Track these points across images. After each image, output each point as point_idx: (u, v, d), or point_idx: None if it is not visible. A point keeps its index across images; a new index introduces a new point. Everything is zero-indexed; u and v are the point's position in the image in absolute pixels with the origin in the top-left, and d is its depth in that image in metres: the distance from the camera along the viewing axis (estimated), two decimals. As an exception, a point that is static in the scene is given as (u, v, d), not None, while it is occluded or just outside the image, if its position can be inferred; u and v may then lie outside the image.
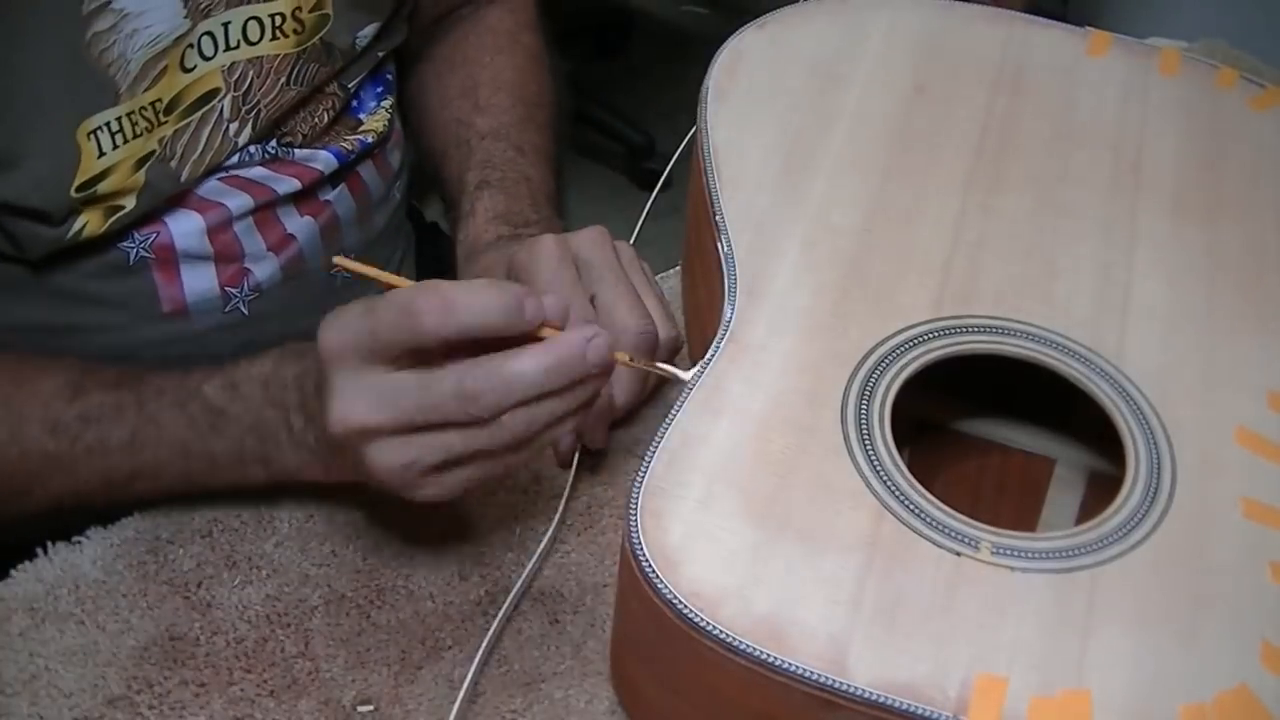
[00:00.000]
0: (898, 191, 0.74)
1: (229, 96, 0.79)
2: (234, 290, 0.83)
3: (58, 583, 0.70)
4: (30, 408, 0.70)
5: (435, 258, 1.04)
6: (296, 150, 0.84)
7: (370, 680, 0.67)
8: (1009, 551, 0.59)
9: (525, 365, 0.59)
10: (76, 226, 0.75)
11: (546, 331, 0.60)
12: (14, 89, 0.70)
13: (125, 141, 0.74)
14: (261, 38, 0.79)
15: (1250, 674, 0.56)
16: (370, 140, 0.88)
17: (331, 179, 0.86)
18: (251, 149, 0.82)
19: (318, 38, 0.82)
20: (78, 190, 0.73)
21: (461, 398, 0.59)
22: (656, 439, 0.62)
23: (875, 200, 0.73)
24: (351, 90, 0.88)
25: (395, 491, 0.63)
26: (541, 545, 0.72)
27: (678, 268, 0.85)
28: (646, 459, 0.61)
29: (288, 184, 0.83)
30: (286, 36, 0.80)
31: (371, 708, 0.66)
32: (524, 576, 0.70)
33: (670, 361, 0.76)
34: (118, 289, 0.79)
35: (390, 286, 0.62)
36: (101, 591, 0.70)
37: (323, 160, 0.85)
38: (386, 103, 0.90)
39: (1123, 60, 0.82)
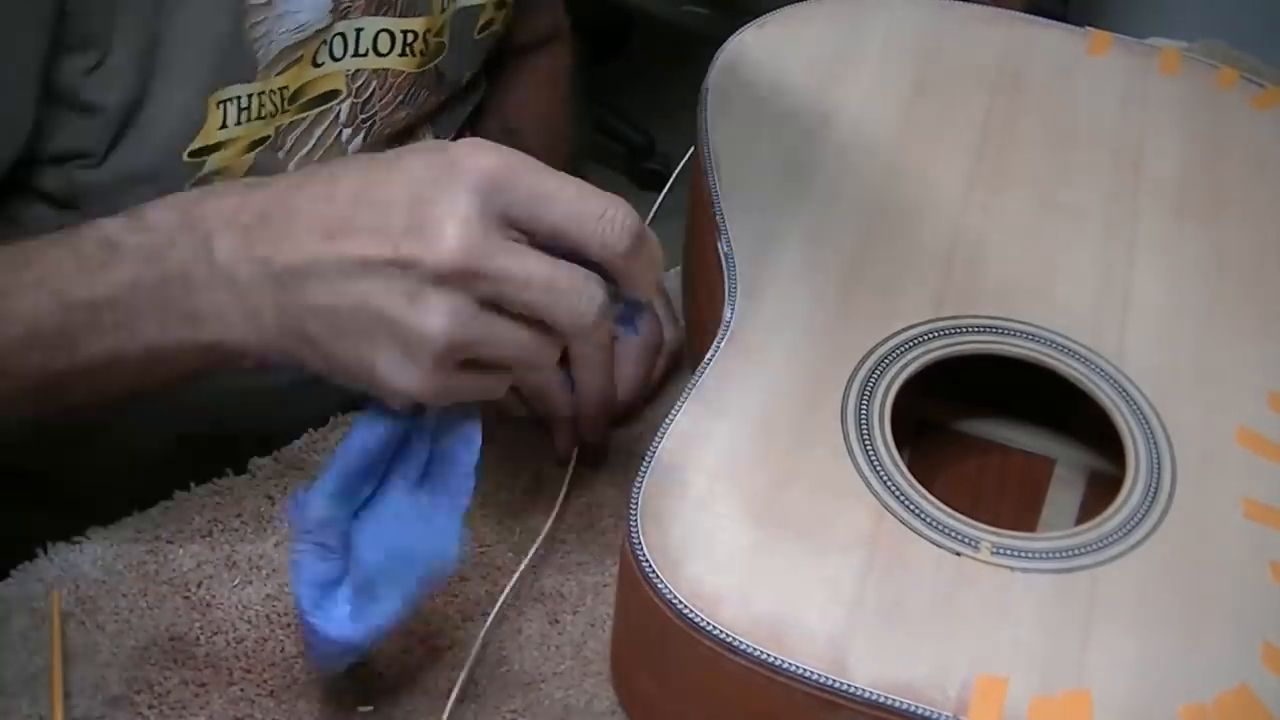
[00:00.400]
0: (898, 191, 0.74)
1: (348, 101, 0.79)
2: None
3: (57, 583, 0.69)
4: None
5: None
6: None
7: (370, 680, 0.67)
8: (1009, 551, 0.59)
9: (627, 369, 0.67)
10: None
11: None
12: (165, 38, 0.69)
13: (249, 120, 0.73)
14: (390, 51, 0.79)
15: (1251, 674, 0.56)
16: None
17: None
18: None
19: (434, 64, 0.83)
20: (191, 155, 0.72)
21: (584, 296, 0.56)
22: (656, 438, 0.62)
23: (875, 200, 0.73)
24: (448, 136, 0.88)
25: (383, 368, 0.56)
26: (540, 545, 0.72)
27: (679, 268, 0.85)
28: (647, 458, 0.61)
29: None
30: (414, 55, 0.81)
31: (371, 708, 0.66)
32: (518, 574, 0.70)
33: (675, 365, 0.77)
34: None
35: None
36: (101, 591, 0.69)
37: None
38: None
39: (1123, 60, 0.82)
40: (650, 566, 0.57)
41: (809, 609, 0.57)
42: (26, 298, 0.59)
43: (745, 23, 0.81)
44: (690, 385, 0.64)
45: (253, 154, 0.75)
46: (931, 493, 0.61)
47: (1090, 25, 0.84)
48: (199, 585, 0.70)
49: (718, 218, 0.71)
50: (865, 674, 0.55)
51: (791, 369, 0.65)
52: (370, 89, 0.80)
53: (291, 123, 0.77)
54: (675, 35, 2.29)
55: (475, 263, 0.54)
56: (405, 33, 0.80)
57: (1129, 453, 0.63)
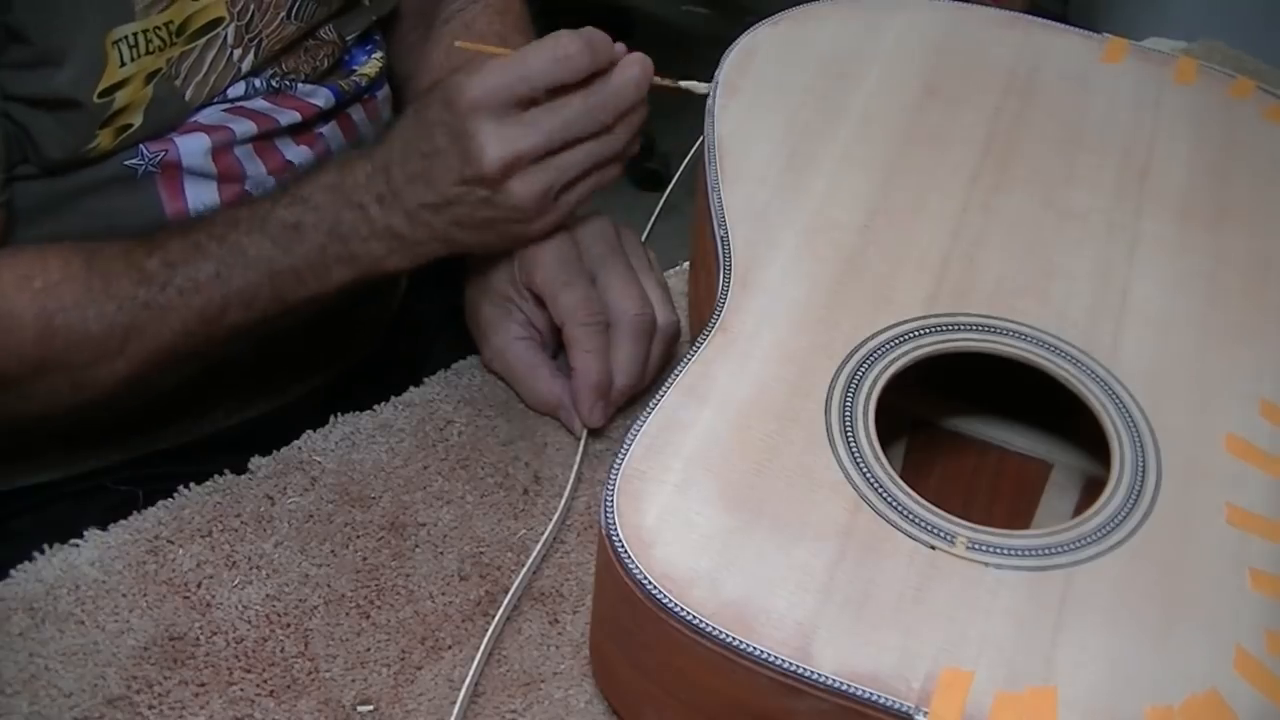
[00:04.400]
0: (901, 189, 0.74)
1: (233, 25, 0.83)
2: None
3: (57, 583, 0.70)
4: (113, 265, 0.75)
5: None
6: (300, 85, 0.88)
7: (370, 680, 0.67)
8: (984, 547, 0.59)
9: (628, 73, 0.73)
10: (91, 145, 0.79)
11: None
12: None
13: (138, 56, 0.78)
14: None
15: (1222, 679, 0.56)
16: (363, 83, 0.92)
17: (325, 116, 0.90)
18: (257, 82, 0.86)
19: None
20: (100, 95, 0.77)
21: (589, 110, 0.73)
22: (639, 421, 0.62)
23: (877, 197, 0.73)
24: (348, 43, 0.92)
25: (516, 233, 0.76)
26: (541, 545, 0.72)
27: (678, 267, 0.85)
28: (627, 440, 0.61)
29: (289, 116, 0.87)
30: None
31: (371, 708, 0.66)
32: (523, 575, 0.70)
33: (671, 352, 0.78)
34: (124, 204, 0.82)
35: (502, 53, 0.75)
36: (101, 591, 0.70)
37: (322, 96, 0.89)
38: (378, 55, 0.95)
39: (1138, 68, 0.82)
40: (623, 547, 0.58)
41: (778, 595, 0.57)
42: (240, 274, 0.76)
43: (745, 22, 0.82)
44: (678, 370, 0.65)
45: (150, 86, 0.80)
46: (926, 491, 0.61)
47: (1090, 24, 0.84)
48: (199, 585, 0.70)
49: (716, 209, 0.72)
50: (830, 661, 0.55)
51: (778, 359, 0.65)
52: (250, 11, 0.83)
53: (182, 53, 0.81)
54: (675, 35, 2.29)
55: (512, 153, 0.72)
56: None
57: (1114, 454, 0.63)
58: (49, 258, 0.75)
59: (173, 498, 0.74)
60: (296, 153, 0.88)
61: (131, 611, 0.69)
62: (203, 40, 0.82)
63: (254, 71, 0.85)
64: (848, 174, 0.74)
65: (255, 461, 0.76)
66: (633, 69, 0.73)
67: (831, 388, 0.64)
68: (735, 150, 0.75)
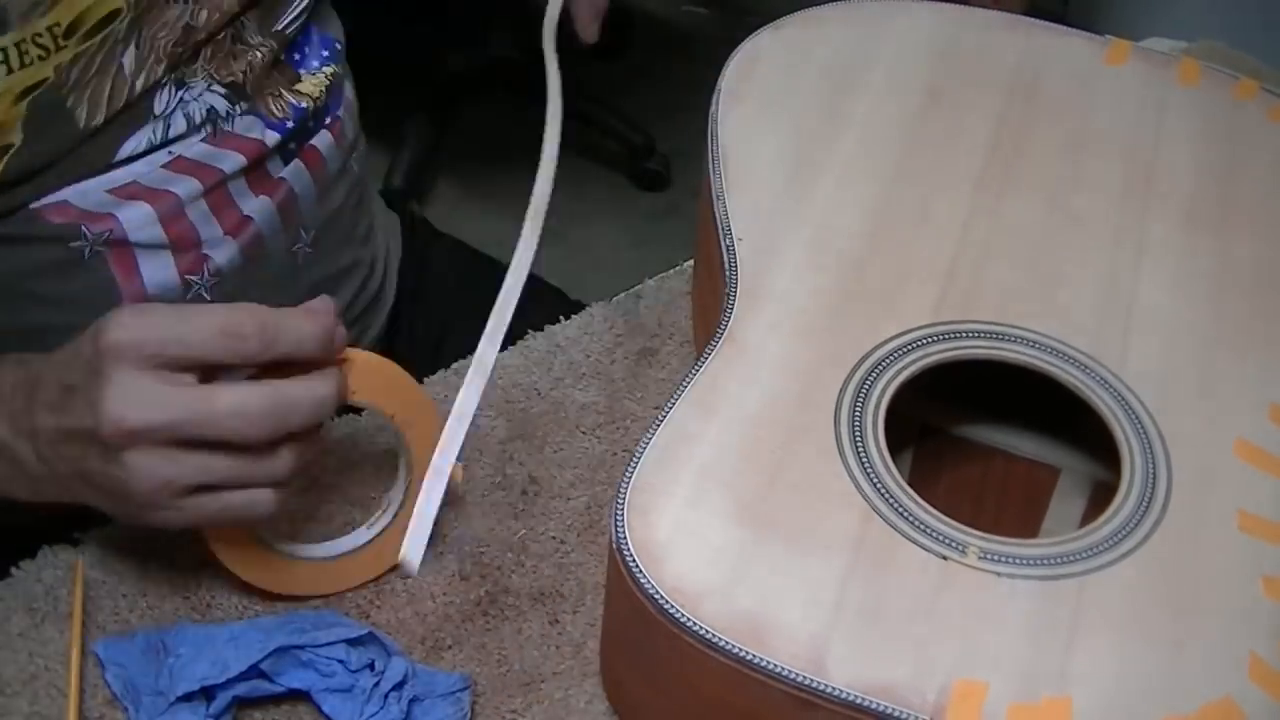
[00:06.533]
0: (905, 195, 0.74)
1: (129, 17, 0.73)
2: (194, 277, 0.80)
3: (57, 583, 0.70)
4: None
5: (423, 256, 1.02)
6: (236, 119, 0.80)
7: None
8: (996, 557, 0.59)
9: (318, 387, 0.62)
10: None
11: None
12: None
13: (9, 73, 0.69)
14: None
15: (1236, 687, 0.56)
16: (305, 106, 0.83)
17: (282, 154, 0.83)
18: (168, 96, 0.77)
19: None
20: None
21: (242, 416, 0.60)
22: (648, 435, 0.62)
23: (882, 204, 0.73)
24: (288, 35, 0.83)
25: (132, 512, 0.63)
26: (539, 544, 0.72)
27: (678, 267, 0.85)
28: (637, 454, 0.61)
29: (232, 160, 0.79)
30: None
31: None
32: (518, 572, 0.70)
33: None
34: (75, 286, 0.77)
35: None
36: (101, 592, 0.70)
37: (259, 130, 0.81)
38: (329, 69, 0.86)
39: (1141, 70, 0.82)
40: (634, 560, 0.57)
41: (791, 608, 0.57)
42: None
43: (745, 23, 0.81)
44: (686, 383, 0.64)
45: (24, 102, 0.71)
46: (934, 498, 0.61)
47: (1089, 25, 0.84)
48: (199, 585, 0.70)
49: (721, 217, 0.71)
50: (844, 674, 0.55)
51: (787, 369, 0.65)
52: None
53: (74, 57, 0.72)
54: (675, 35, 2.29)
55: (134, 420, 0.60)
56: None
57: (1124, 461, 0.63)
58: None
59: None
60: (256, 205, 0.81)
61: (131, 611, 0.69)
62: (98, 38, 0.72)
63: (159, 79, 0.76)
64: (852, 181, 0.74)
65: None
66: (317, 386, 0.62)
67: (840, 398, 0.64)
68: (740, 158, 0.74)
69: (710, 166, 0.74)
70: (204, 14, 0.77)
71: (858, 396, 0.64)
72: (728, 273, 0.69)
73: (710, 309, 0.73)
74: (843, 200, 0.73)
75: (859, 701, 0.54)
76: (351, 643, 0.64)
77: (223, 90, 0.80)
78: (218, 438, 0.61)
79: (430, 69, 2.15)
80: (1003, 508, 0.73)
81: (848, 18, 0.84)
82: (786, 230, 0.71)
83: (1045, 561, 0.59)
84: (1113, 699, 0.55)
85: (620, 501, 0.59)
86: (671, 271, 0.86)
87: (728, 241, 0.70)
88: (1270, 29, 1.24)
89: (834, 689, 0.54)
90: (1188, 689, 0.55)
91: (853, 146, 0.76)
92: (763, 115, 0.77)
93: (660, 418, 0.63)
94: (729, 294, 0.68)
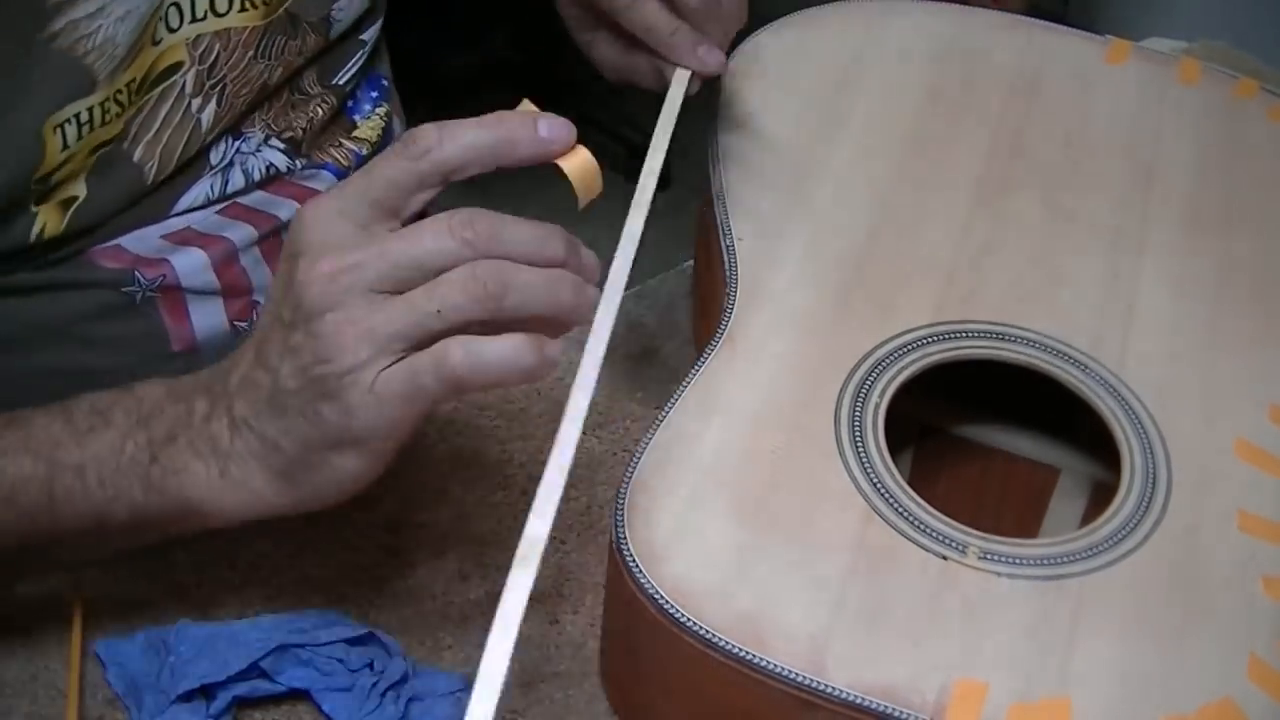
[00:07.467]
0: (906, 195, 0.74)
1: (194, 70, 0.74)
2: (243, 324, 0.80)
3: (58, 583, 0.69)
4: None
5: None
6: (297, 170, 0.81)
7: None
8: (996, 557, 0.59)
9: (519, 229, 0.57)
10: (36, 228, 0.71)
11: None
12: None
13: (91, 130, 0.69)
14: (230, 9, 0.75)
15: (1236, 687, 0.56)
16: (364, 152, 0.85)
17: None
18: (231, 145, 0.78)
19: (283, 8, 0.78)
20: (36, 183, 0.69)
21: (450, 227, 0.55)
22: (648, 435, 0.62)
23: (882, 204, 0.73)
24: (346, 89, 0.85)
25: (342, 422, 0.55)
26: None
27: (679, 267, 0.85)
28: (637, 454, 0.61)
29: (288, 207, 0.80)
30: (255, 8, 0.76)
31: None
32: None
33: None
34: (125, 330, 0.77)
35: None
36: (102, 592, 0.69)
37: (324, 180, 0.82)
38: (381, 109, 0.87)
39: (1141, 69, 0.82)
40: (634, 561, 0.57)
41: (792, 609, 0.57)
42: (13, 458, 0.59)
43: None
44: (686, 383, 0.64)
45: (93, 157, 0.71)
46: (933, 498, 0.61)
47: (1089, 25, 0.84)
48: (199, 585, 0.70)
49: (722, 217, 0.71)
50: (844, 675, 0.55)
51: (787, 370, 0.65)
52: (215, 54, 0.74)
53: (135, 110, 0.72)
54: None
55: (328, 266, 0.54)
56: None
57: (1124, 461, 0.63)
58: None
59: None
60: None
61: (132, 611, 0.69)
62: (157, 91, 0.73)
63: (225, 130, 0.76)
64: (853, 181, 0.74)
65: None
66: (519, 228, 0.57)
67: (840, 398, 0.64)
68: (740, 157, 0.74)
69: (710, 166, 0.74)
70: (279, 70, 0.78)
71: (858, 396, 0.64)
72: (728, 273, 0.69)
73: (710, 309, 0.73)
74: (843, 200, 0.73)
75: (859, 701, 0.54)
76: (351, 642, 0.64)
77: (281, 145, 0.80)
78: (427, 260, 0.54)
79: (430, 69, 2.15)
80: (1003, 508, 0.73)
81: (847, 18, 0.84)
82: (786, 230, 0.71)
83: (1045, 562, 0.59)
84: (1113, 699, 0.55)
85: (620, 501, 0.59)
86: (671, 271, 0.85)
87: (728, 241, 0.70)
88: (1270, 29, 1.24)
89: (834, 689, 0.54)
90: (1187, 689, 0.56)
91: (853, 146, 0.76)
92: (764, 115, 0.77)
93: (660, 418, 0.63)
94: (729, 294, 0.68)
